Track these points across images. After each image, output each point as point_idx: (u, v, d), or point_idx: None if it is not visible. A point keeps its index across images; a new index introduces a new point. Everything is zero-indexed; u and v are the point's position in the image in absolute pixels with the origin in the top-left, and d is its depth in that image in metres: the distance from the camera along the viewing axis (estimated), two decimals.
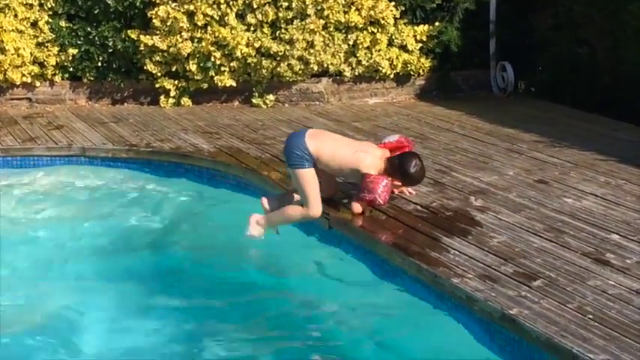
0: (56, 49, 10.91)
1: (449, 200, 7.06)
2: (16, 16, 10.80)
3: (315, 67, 11.04)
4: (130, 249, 7.42)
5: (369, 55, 11.12)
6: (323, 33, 10.95)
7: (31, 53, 10.84)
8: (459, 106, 10.71)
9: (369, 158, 6.62)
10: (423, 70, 11.44)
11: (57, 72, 11.05)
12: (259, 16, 10.87)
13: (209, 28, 10.80)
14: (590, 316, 4.91)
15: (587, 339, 4.66)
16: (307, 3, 10.82)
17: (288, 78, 11.04)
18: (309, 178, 6.57)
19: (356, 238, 6.53)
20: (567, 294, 5.21)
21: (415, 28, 11.29)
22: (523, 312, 4.99)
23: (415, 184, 6.94)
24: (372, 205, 6.66)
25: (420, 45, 11.32)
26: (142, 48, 10.83)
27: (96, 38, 10.91)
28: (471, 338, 5.24)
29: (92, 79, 11.12)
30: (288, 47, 10.86)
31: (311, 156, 6.56)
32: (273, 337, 5.94)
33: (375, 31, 11.09)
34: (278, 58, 10.91)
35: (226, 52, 10.83)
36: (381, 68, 11.15)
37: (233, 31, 10.78)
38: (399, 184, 6.92)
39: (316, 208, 6.57)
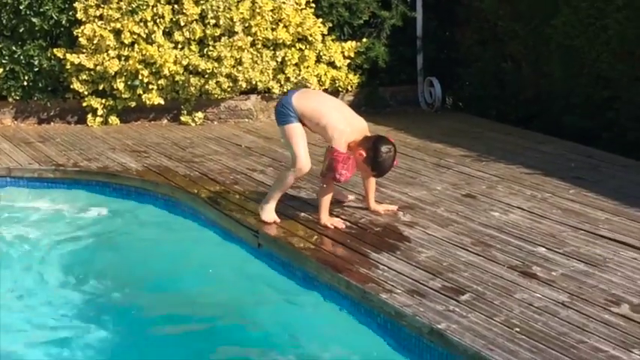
0: None
1: (377, 216, 7.09)
2: None
3: (244, 85, 11.03)
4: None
5: (298, 72, 11.14)
6: (251, 50, 10.95)
7: None
8: (387, 121, 10.76)
9: (343, 134, 6.65)
10: (352, 86, 11.49)
11: None
12: (187, 34, 10.83)
13: (136, 46, 10.74)
14: (517, 329, 4.97)
15: (514, 352, 4.71)
16: (235, 20, 10.82)
17: (216, 95, 11.01)
18: (293, 132, 6.80)
19: (285, 255, 6.52)
20: (495, 307, 5.27)
21: (343, 44, 11.36)
22: (451, 326, 5.02)
23: (381, 170, 6.66)
24: (337, 181, 6.71)
25: (348, 61, 11.38)
26: (68, 67, 10.72)
27: (21, 57, 10.75)
28: (399, 353, 5.27)
29: (18, 98, 10.94)
30: (216, 65, 10.84)
31: (295, 112, 6.76)
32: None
33: (303, 47, 11.12)
34: (206, 76, 10.88)
35: (154, 70, 10.77)
36: (309, 85, 11.18)
37: (160, 49, 10.73)
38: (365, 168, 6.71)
39: (303, 161, 6.76)
